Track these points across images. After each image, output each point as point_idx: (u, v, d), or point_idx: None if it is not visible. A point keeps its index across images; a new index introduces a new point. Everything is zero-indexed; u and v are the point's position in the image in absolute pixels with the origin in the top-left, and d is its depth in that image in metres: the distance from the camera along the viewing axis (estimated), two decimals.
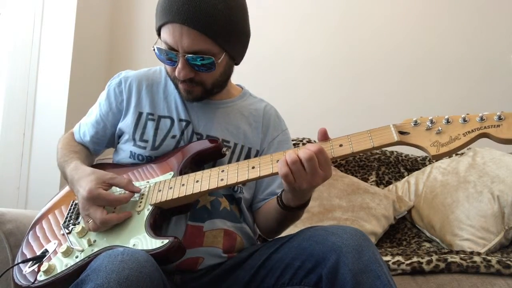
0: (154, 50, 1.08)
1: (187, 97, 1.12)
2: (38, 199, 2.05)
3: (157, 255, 0.88)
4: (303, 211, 1.09)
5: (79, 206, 1.03)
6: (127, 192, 1.04)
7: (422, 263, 1.32)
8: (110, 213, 1.01)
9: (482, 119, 0.84)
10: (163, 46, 1.06)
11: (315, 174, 0.89)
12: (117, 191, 1.08)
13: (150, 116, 1.17)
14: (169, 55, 1.05)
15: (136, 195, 1.05)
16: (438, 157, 0.86)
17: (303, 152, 0.89)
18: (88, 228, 1.00)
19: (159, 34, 1.09)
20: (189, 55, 1.03)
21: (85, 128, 1.26)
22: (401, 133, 0.89)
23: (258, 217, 1.20)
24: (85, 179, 1.03)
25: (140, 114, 1.17)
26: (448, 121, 0.87)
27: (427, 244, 1.78)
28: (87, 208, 1.00)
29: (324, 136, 0.95)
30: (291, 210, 1.05)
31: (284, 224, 1.15)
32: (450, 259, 1.33)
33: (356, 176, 2.03)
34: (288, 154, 0.90)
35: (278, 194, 1.07)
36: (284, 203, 1.04)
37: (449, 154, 0.86)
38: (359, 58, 2.43)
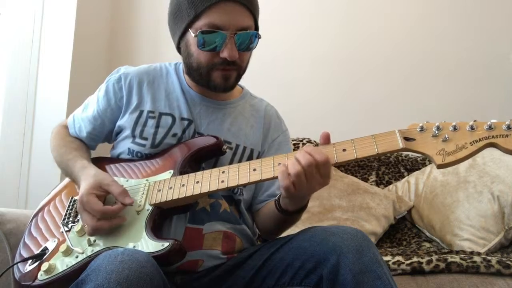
0: (196, 36, 1.04)
1: (224, 84, 1.09)
2: (38, 199, 2.03)
3: (158, 258, 0.88)
4: (302, 214, 1.08)
5: (77, 206, 1.02)
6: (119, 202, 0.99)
7: (422, 263, 1.32)
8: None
9: (490, 127, 0.81)
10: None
11: (315, 183, 0.90)
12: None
13: (150, 114, 1.15)
14: (216, 38, 1.03)
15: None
16: (444, 167, 0.83)
17: (307, 164, 0.87)
18: (85, 231, 1.00)
19: (189, 26, 1.06)
20: (240, 33, 1.04)
21: (81, 123, 1.22)
22: (406, 139, 0.87)
23: (257, 218, 1.20)
24: (85, 181, 1.02)
25: (141, 112, 1.15)
26: (455, 128, 0.84)
27: (427, 244, 1.78)
28: (80, 212, 1.00)
29: (326, 140, 0.94)
30: (289, 214, 1.04)
31: (283, 226, 1.15)
32: (450, 259, 1.33)
33: (356, 176, 2.03)
34: (292, 166, 0.89)
35: (276, 198, 1.06)
36: (282, 207, 1.04)
37: (455, 164, 0.82)
38: (361, 59, 2.42)
